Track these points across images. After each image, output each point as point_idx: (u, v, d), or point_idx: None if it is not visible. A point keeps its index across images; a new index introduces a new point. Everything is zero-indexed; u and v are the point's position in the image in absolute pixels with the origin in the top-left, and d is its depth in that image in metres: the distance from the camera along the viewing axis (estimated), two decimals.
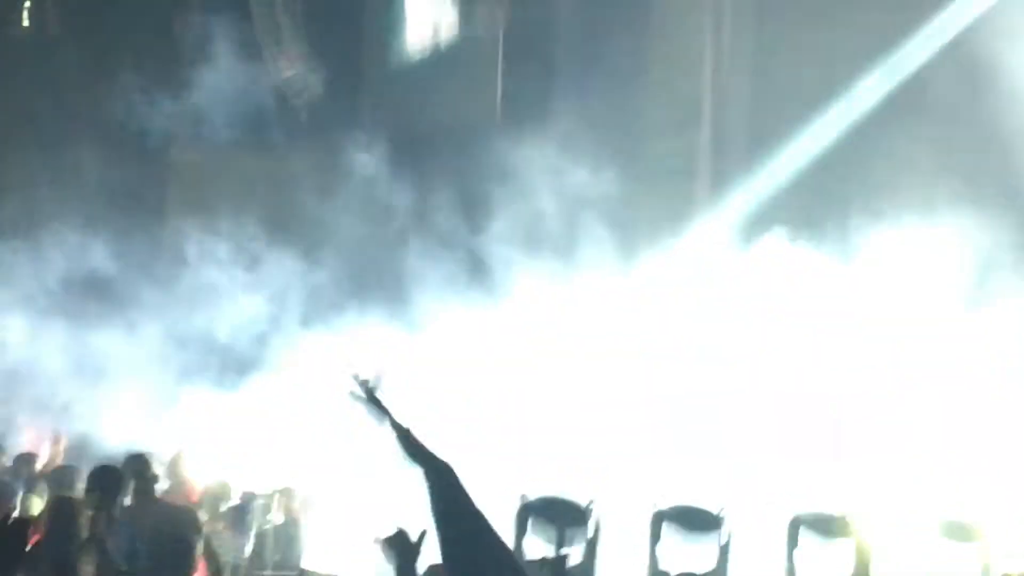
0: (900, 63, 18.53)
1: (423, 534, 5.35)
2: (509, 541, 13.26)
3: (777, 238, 17.22)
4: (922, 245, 16.46)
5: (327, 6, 21.15)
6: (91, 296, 18.38)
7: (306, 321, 18.30)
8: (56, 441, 16.08)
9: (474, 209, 18.33)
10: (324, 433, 15.46)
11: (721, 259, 17.40)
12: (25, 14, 21.92)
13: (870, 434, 16.07)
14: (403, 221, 18.31)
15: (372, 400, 5.53)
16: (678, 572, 13.43)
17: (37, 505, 11.76)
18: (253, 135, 19.85)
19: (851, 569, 13.65)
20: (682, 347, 16.43)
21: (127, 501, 10.24)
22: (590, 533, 14.18)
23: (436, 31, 21.14)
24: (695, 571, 13.48)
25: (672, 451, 15.69)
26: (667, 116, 19.70)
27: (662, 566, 13.83)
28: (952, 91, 17.58)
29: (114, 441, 14.87)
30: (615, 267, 17.43)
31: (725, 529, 14.07)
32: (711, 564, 13.70)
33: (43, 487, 12.57)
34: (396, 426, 5.53)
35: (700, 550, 14.04)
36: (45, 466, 14.78)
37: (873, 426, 16.12)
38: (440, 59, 21.56)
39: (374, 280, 18.42)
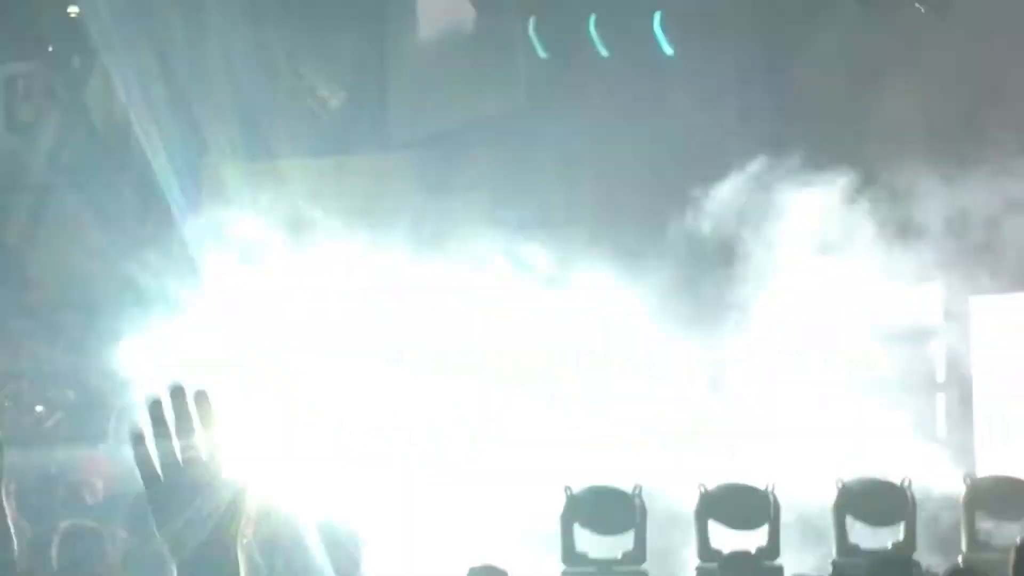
0: None
1: None
2: (557, 534, 14.08)
3: None
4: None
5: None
6: None
7: None
8: None
9: None
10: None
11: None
12: None
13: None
14: None
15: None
16: (730, 551, 13.61)
17: None
18: None
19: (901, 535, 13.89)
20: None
21: None
22: (637, 519, 14.26)
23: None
24: (748, 549, 13.70)
25: (709, 430, 15.78)
26: None
27: (713, 546, 13.90)
28: None
29: None
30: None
31: (774, 505, 14.08)
32: (762, 541, 13.79)
33: None
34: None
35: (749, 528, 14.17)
36: None
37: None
38: None
39: None
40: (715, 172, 16.59)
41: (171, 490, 2.89)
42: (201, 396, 2.91)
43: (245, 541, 3.01)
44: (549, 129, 17.91)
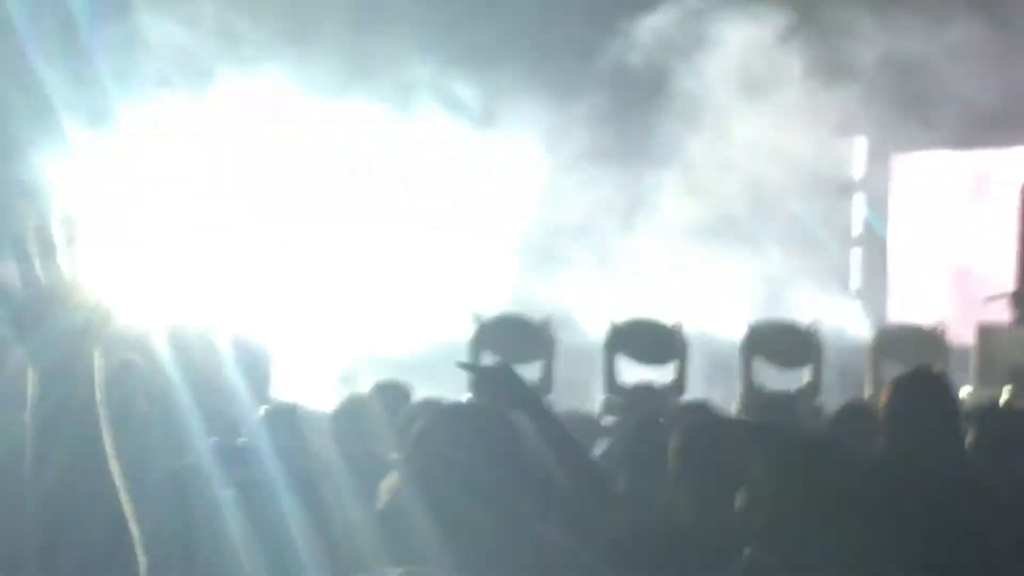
0: None
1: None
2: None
3: None
4: None
5: None
6: None
7: None
8: None
9: None
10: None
11: None
12: None
13: None
14: None
15: None
16: (635, 384, 13.73)
17: None
18: None
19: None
20: None
21: None
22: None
23: None
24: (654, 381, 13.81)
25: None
26: None
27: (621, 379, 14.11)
28: None
29: None
30: None
31: (681, 342, 14.25)
32: (670, 376, 13.98)
33: None
34: None
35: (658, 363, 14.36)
36: None
37: None
38: None
39: None
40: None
41: (29, 305, 2.87)
42: (68, 220, 2.88)
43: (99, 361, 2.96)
44: None
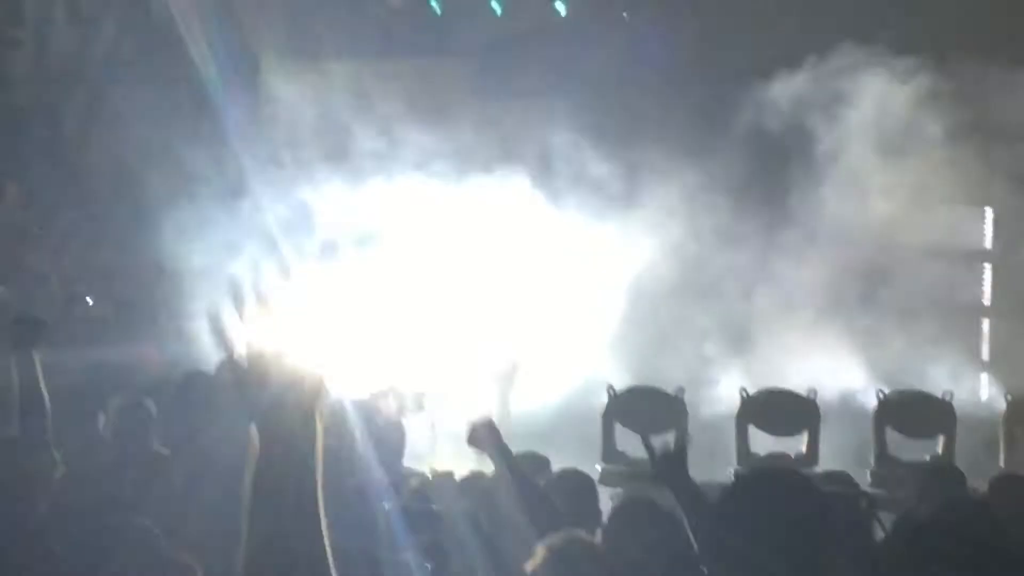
0: None
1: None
2: (598, 432, 14.25)
3: None
4: None
5: None
6: None
7: None
8: None
9: None
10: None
11: None
12: None
13: None
14: None
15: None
16: (767, 452, 13.66)
17: None
18: None
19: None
20: None
21: None
22: (680, 421, 14.27)
23: None
24: (787, 451, 13.75)
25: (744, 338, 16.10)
26: None
27: (753, 449, 13.96)
28: None
29: None
30: None
31: (815, 413, 14.15)
32: (801, 447, 13.87)
33: None
34: None
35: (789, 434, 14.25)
36: None
37: None
38: None
39: None
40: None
41: (247, 374, 2.97)
42: (263, 293, 3.00)
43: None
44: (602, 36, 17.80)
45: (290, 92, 17.79)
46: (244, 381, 2.99)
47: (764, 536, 3.84)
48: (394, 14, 19.06)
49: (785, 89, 16.25)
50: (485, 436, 6.90)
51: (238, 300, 2.98)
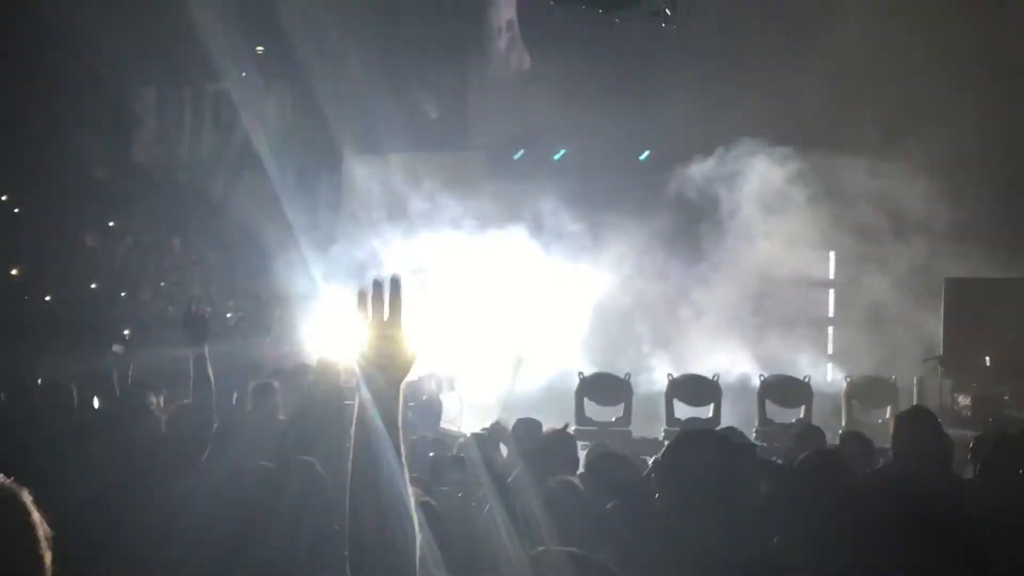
0: None
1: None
2: (572, 404, 14.16)
3: None
4: None
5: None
6: None
7: None
8: None
9: None
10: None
11: None
12: None
13: None
14: None
15: None
16: (687, 417, 13.72)
17: None
18: None
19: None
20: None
21: None
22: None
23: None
24: (699, 416, 13.75)
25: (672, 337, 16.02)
26: None
27: (676, 415, 14.13)
28: None
29: None
30: None
31: (718, 390, 14.32)
32: (709, 413, 13.92)
33: None
34: None
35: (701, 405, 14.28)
36: None
37: None
38: None
39: None
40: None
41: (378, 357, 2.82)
42: (395, 286, 2.85)
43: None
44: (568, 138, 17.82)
45: (363, 173, 17.93)
46: (368, 363, 2.81)
47: (699, 470, 3.82)
48: (434, 121, 18.83)
49: (701, 169, 16.25)
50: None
51: (365, 301, 2.82)
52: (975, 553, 4.56)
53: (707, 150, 16.33)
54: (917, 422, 6.09)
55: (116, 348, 12.77)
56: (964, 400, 14.20)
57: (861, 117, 15.56)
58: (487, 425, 8.64)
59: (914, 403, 12.88)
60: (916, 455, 5.85)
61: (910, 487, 5.55)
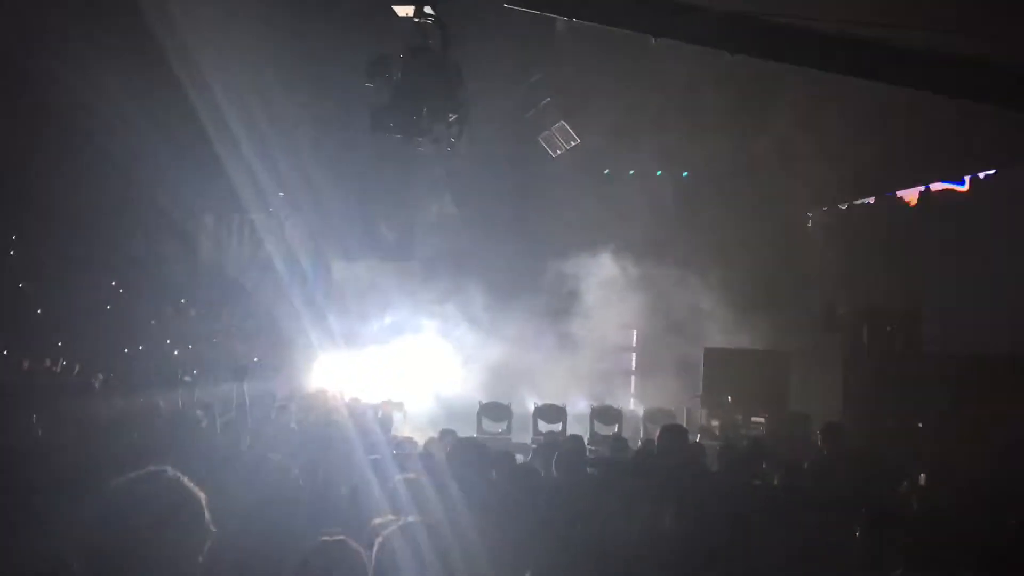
0: None
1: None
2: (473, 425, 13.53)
3: None
4: None
5: None
6: None
7: None
8: None
9: None
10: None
11: None
12: None
13: None
14: None
15: None
16: (547, 431, 14.13)
17: None
18: None
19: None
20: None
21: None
22: (509, 417, 14.64)
23: None
24: (554, 430, 14.05)
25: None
26: None
27: (540, 429, 14.36)
28: None
29: None
30: None
31: (565, 414, 14.63)
32: (559, 428, 14.22)
33: None
34: None
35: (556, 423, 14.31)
36: None
37: None
38: None
39: None
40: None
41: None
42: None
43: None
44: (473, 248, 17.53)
45: (345, 275, 18.23)
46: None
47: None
48: (386, 238, 18.74)
49: (567, 264, 16.38)
50: None
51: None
52: (711, 507, 4.71)
53: (567, 254, 16.12)
54: (672, 431, 6.69)
55: (187, 379, 12.55)
56: (715, 423, 14.44)
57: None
58: (431, 435, 8.40)
59: (684, 424, 12.54)
60: (673, 450, 6.31)
61: (668, 467, 5.89)
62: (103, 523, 2.29)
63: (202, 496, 2.47)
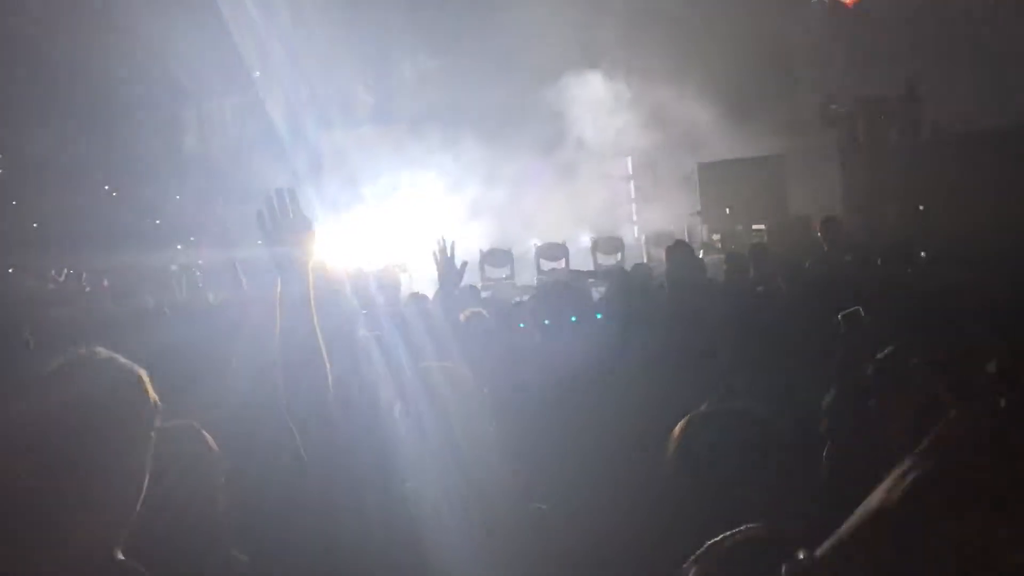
0: None
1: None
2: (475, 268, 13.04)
3: None
4: None
5: None
6: None
7: None
8: None
9: None
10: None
11: None
12: None
13: None
14: None
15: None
16: (549, 268, 13.93)
17: None
18: None
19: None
20: None
21: None
22: (511, 262, 14.48)
23: None
24: (556, 267, 13.83)
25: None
26: None
27: (542, 268, 14.15)
28: None
29: None
30: None
31: (566, 251, 14.30)
32: (562, 265, 13.96)
33: None
34: None
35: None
36: None
37: None
38: None
39: None
40: None
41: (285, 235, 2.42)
42: (292, 195, 2.46)
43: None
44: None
45: (331, 147, 17.00)
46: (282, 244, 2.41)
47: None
48: (366, 103, 17.64)
49: (555, 90, 15.49)
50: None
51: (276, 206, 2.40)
52: (708, 316, 4.53)
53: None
54: (679, 246, 6.68)
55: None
56: (716, 237, 14.45)
57: None
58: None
59: (686, 239, 12.15)
60: (682, 266, 6.29)
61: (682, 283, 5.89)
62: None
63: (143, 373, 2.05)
